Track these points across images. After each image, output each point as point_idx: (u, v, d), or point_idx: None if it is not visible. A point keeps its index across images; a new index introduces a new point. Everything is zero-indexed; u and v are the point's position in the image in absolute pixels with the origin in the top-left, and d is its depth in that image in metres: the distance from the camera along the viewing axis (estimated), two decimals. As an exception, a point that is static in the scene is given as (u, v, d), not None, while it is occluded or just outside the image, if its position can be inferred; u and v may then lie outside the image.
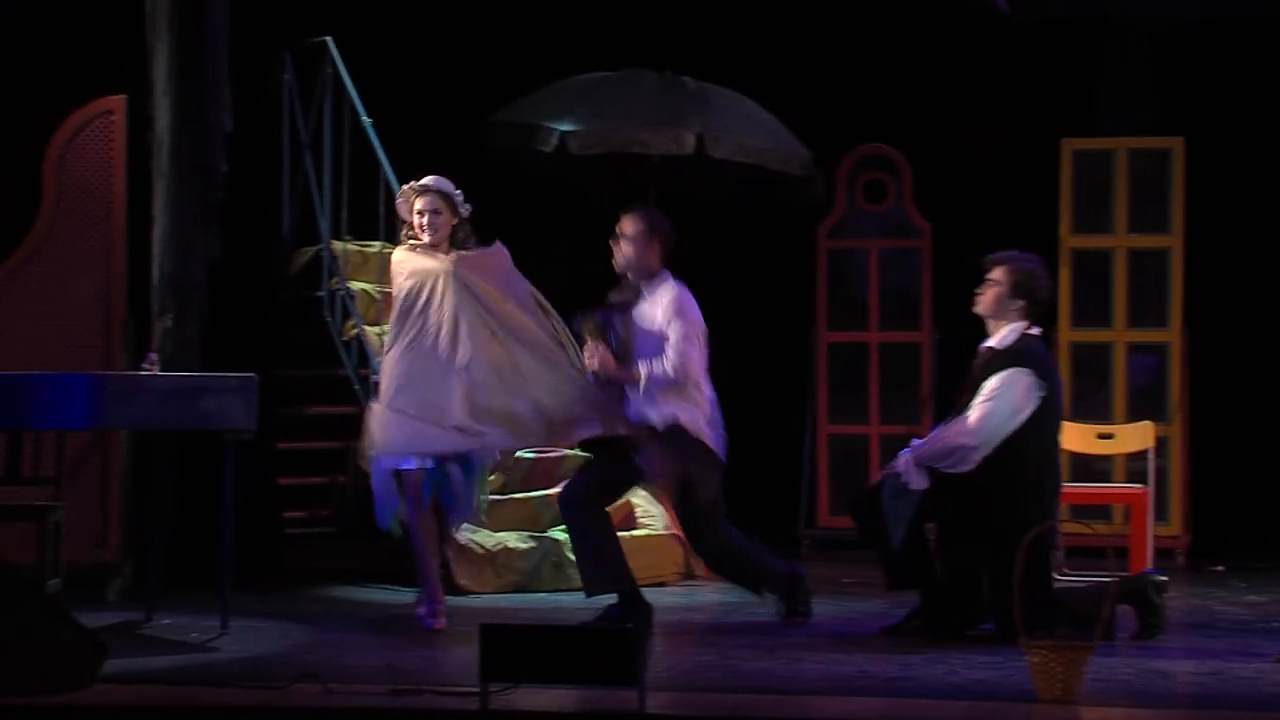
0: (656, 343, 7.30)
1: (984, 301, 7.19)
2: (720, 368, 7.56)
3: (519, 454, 9.02)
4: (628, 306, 7.41)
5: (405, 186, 7.60)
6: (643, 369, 7.28)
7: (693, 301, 7.39)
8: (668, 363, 7.26)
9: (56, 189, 8.32)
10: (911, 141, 10.41)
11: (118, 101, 8.39)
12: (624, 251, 7.44)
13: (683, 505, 7.43)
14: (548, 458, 9.08)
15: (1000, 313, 7.16)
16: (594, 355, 7.37)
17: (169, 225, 8.52)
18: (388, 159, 9.03)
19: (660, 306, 7.33)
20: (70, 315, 8.22)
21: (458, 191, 7.53)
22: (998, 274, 7.17)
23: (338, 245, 9.37)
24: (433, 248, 7.47)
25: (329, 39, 9.35)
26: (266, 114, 9.55)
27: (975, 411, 7.01)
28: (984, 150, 10.37)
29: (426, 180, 7.54)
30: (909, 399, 10.30)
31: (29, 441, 7.64)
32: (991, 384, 7.02)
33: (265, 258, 9.61)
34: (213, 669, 6.41)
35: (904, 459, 7.12)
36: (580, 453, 9.21)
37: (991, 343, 7.17)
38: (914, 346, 10.38)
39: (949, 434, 7.06)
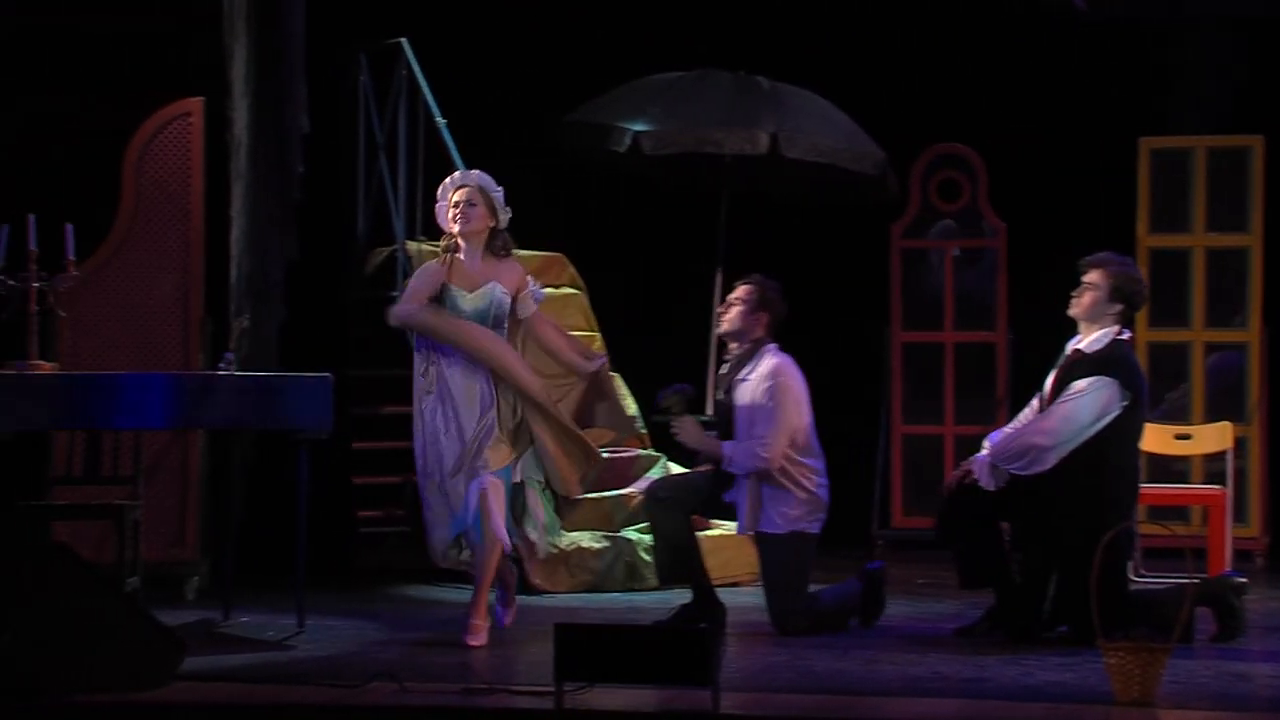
0: (749, 421, 7.21)
1: (1080, 305, 7.08)
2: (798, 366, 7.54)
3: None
4: (730, 379, 7.33)
5: (445, 181, 7.27)
6: (728, 451, 7.21)
7: (796, 379, 7.25)
8: (755, 450, 7.15)
9: (136, 190, 8.39)
10: (986, 141, 10.35)
11: (196, 103, 8.46)
12: (730, 318, 7.35)
13: (771, 593, 7.36)
14: (621, 458, 9.09)
15: (1096, 316, 7.06)
16: (681, 429, 7.27)
17: (246, 226, 8.59)
18: (461, 160, 9.05)
19: (759, 386, 7.21)
20: (149, 315, 8.30)
21: (498, 190, 7.21)
22: (1095, 277, 7.06)
23: (412, 245, 9.40)
24: (462, 240, 7.11)
25: (404, 40, 9.39)
26: (342, 115, 9.61)
27: (1054, 413, 6.96)
28: (1060, 149, 10.31)
29: (468, 172, 7.29)
30: (984, 399, 10.25)
31: (108, 441, 7.72)
32: (1075, 387, 6.95)
33: (340, 258, 9.67)
34: (289, 667, 6.45)
35: (979, 460, 7.08)
36: (654, 452, 9.23)
37: (1081, 345, 7.09)
38: (989, 346, 10.32)
39: (1025, 434, 7.01)
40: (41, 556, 6.02)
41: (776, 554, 7.20)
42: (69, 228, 7.53)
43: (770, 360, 7.27)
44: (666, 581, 7.89)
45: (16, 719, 5.68)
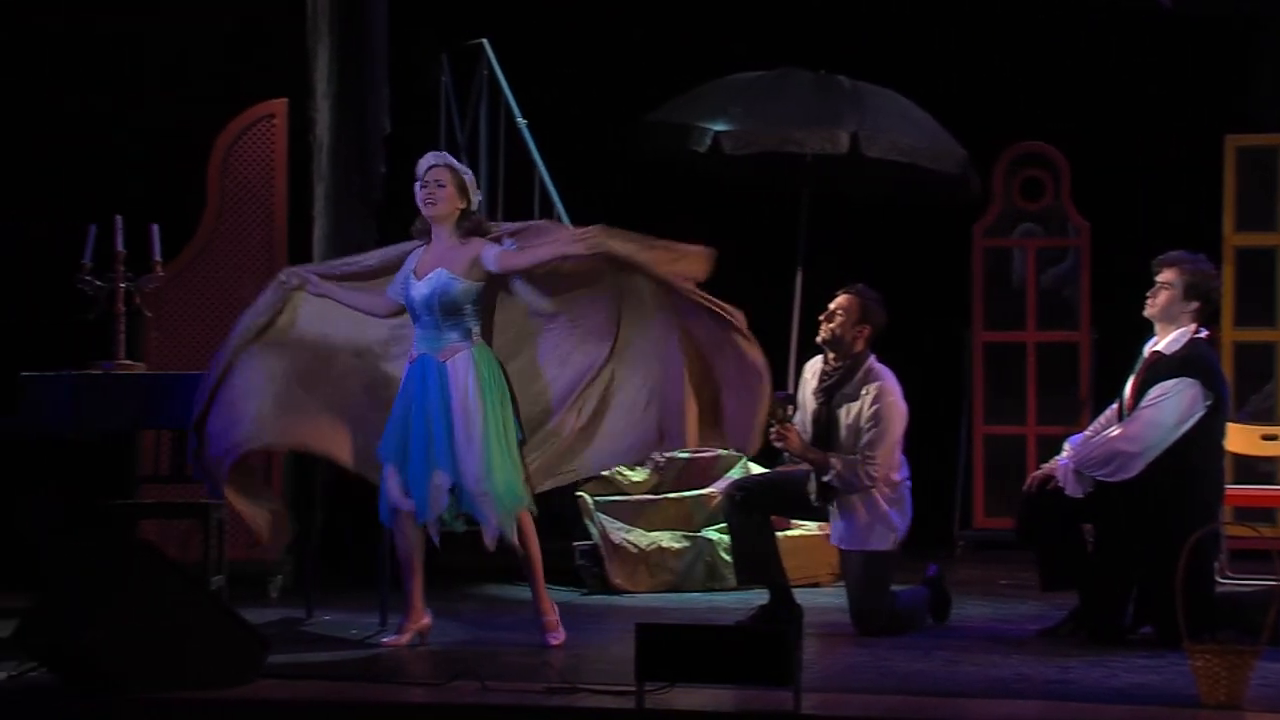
0: (854, 438, 7.18)
1: (1156, 305, 7.03)
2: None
3: (673, 454, 9.05)
4: (833, 390, 7.29)
5: (419, 161, 6.94)
6: (835, 463, 7.17)
7: (900, 397, 7.22)
8: (865, 469, 7.13)
9: (220, 191, 8.47)
10: (1070, 139, 10.28)
11: (279, 105, 8.52)
12: (833, 328, 7.30)
13: (855, 596, 7.33)
14: (702, 458, 9.09)
15: (1173, 316, 7.00)
16: (783, 437, 7.19)
17: (329, 227, 8.65)
18: (542, 160, 9.08)
19: (864, 400, 7.18)
20: (233, 315, 8.33)
21: (468, 173, 6.92)
22: (1169, 276, 7.01)
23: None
24: (432, 223, 6.83)
25: (485, 41, 9.42)
26: (424, 115, 9.65)
27: (1139, 418, 6.90)
28: (1144, 147, 10.22)
29: (439, 152, 7.01)
30: (1067, 399, 10.17)
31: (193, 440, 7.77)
32: (1157, 391, 6.89)
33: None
34: (372, 665, 6.48)
35: (1063, 466, 7.02)
36: (734, 453, 9.22)
37: (1159, 347, 7.03)
38: (1072, 346, 10.25)
39: (1111, 440, 6.95)
40: (128, 555, 6.08)
41: (865, 568, 7.20)
42: (155, 228, 7.61)
43: (877, 379, 7.23)
44: (744, 582, 7.90)
45: (105, 715, 5.75)
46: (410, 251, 6.92)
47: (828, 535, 8.25)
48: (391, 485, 6.82)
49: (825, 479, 7.20)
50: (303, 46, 8.65)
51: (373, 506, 6.97)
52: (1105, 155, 10.25)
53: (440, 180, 6.82)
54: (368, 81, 8.95)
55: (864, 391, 7.22)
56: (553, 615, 6.94)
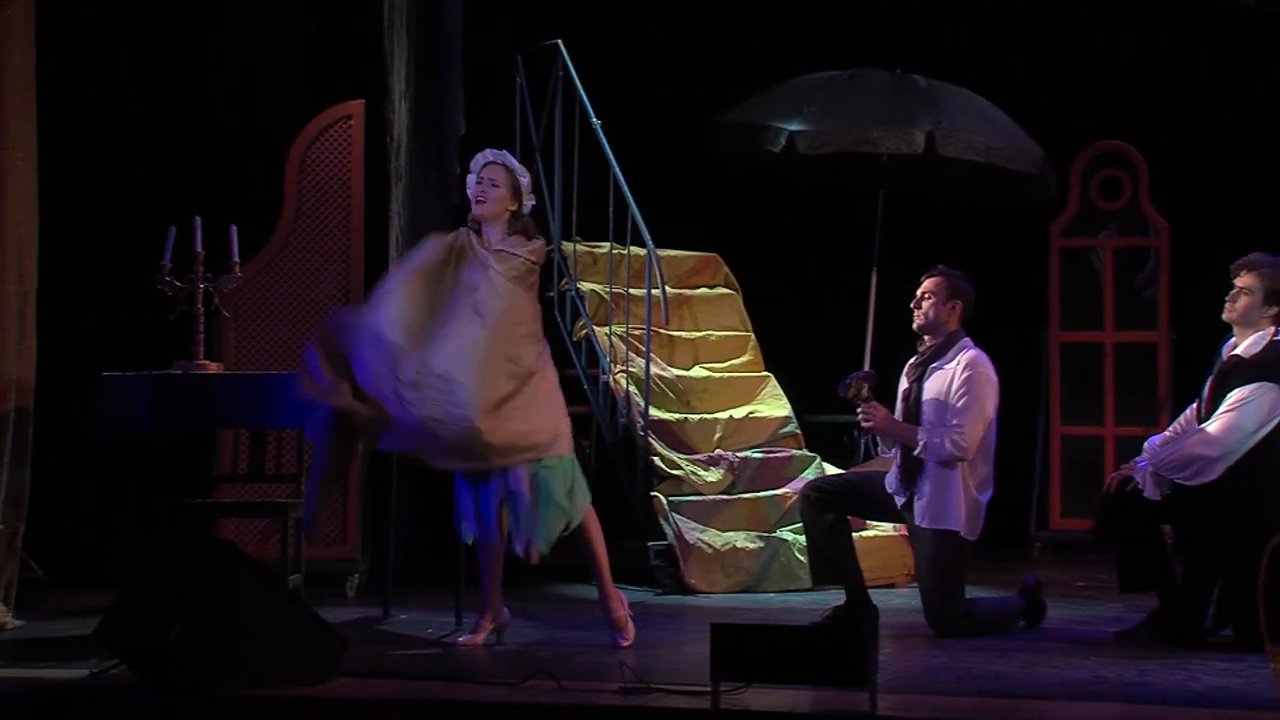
0: (942, 411, 7.14)
1: (1235, 309, 6.98)
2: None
3: (746, 453, 9.05)
4: (922, 368, 7.27)
5: (476, 156, 6.88)
6: (922, 437, 7.14)
7: (991, 372, 7.19)
8: (953, 438, 7.09)
9: (298, 193, 8.52)
10: (1148, 138, 10.21)
11: (356, 106, 8.57)
12: (925, 312, 7.27)
13: (929, 591, 7.30)
14: (776, 458, 9.08)
15: (1252, 320, 6.96)
16: (870, 415, 7.18)
17: (406, 227, 8.69)
18: (617, 160, 9.09)
19: (954, 375, 7.16)
20: (311, 316, 8.42)
21: (525, 176, 6.87)
22: (1248, 280, 6.96)
23: (568, 246, 9.46)
24: (480, 221, 6.77)
25: (559, 42, 9.44)
26: (499, 116, 9.68)
27: (1218, 422, 6.85)
28: (1223, 146, 10.13)
29: (498, 150, 6.90)
30: (1145, 400, 10.10)
31: (271, 439, 7.84)
32: (1236, 395, 6.84)
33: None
34: (448, 664, 6.50)
35: (1141, 468, 6.98)
36: (809, 453, 9.21)
37: (1238, 350, 6.98)
38: (1150, 347, 10.17)
39: (1190, 444, 6.90)
40: (210, 553, 6.13)
41: (941, 552, 7.14)
42: (233, 229, 7.67)
43: (968, 352, 7.22)
44: (819, 582, 7.88)
45: (186, 712, 5.80)
46: (454, 240, 6.80)
47: (904, 536, 8.25)
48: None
49: (915, 452, 7.15)
50: (380, 48, 8.70)
51: (448, 503, 6.98)
52: (1184, 155, 10.17)
53: (495, 180, 6.78)
54: (444, 82, 8.99)
55: (955, 361, 7.19)
56: (621, 611, 6.89)
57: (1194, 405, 7.15)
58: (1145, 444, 7.16)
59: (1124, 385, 10.19)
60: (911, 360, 7.40)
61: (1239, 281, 6.99)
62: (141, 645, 5.91)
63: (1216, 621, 6.93)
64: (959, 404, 7.12)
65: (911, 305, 7.33)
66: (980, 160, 9.43)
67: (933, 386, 7.20)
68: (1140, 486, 6.96)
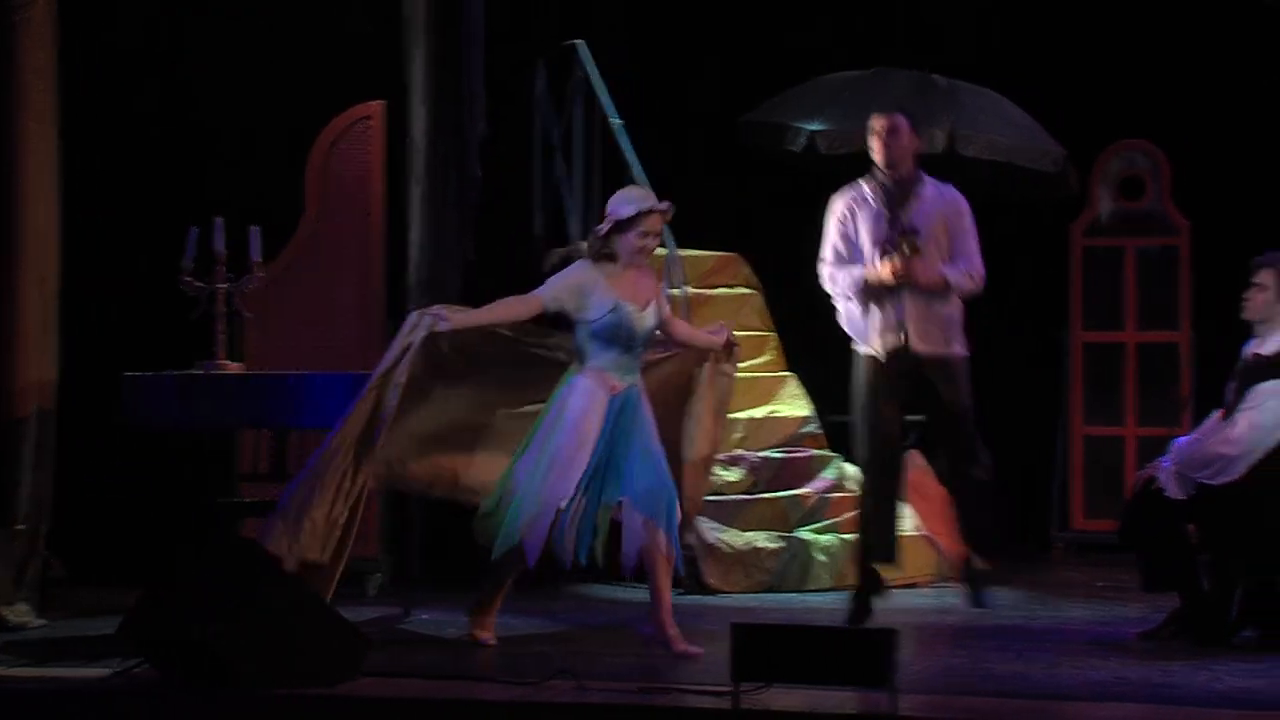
0: (940, 244, 7.26)
1: (1252, 307, 6.99)
2: (974, 367, 7.48)
3: (767, 453, 9.04)
4: (898, 207, 7.29)
5: (646, 198, 6.83)
6: (950, 275, 7.24)
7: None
8: (971, 271, 7.27)
9: (319, 194, 8.53)
10: (1170, 137, 10.18)
11: (377, 107, 8.57)
12: (889, 150, 7.31)
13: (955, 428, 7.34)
14: (797, 458, 9.07)
15: (1271, 317, 6.95)
16: (898, 270, 7.18)
17: (425, 228, 8.70)
18: (640, 160, 9.09)
19: (941, 207, 7.29)
20: (331, 317, 8.43)
21: (612, 208, 6.81)
22: (1265, 277, 6.97)
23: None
24: (636, 262, 6.81)
25: (580, 42, 9.44)
26: (520, 117, 9.68)
27: (1240, 421, 6.84)
28: (1246, 144, 10.09)
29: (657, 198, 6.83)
30: (1167, 400, 10.08)
31: (294, 440, 7.85)
32: (1258, 393, 6.83)
33: (517, 259, 9.74)
34: (469, 664, 6.52)
35: (1165, 468, 6.96)
36: (829, 453, 9.20)
37: (1258, 348, 6.97)
38: (1172, 346, 10.15)
39: (1212, 443, 6.89)
40: (236, 551, 6.15)
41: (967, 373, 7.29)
42: (254, 230, 7.68)
43: (941, 185, 7.36)
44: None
45: (212, 710, 5.81)
46: (582, 276, 6.76)
47: (925, 536, 8.25)
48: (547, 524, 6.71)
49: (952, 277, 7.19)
50: (399, 49, 8.71)
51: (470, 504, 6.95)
52: (1207, 153, 10.13)
53: (659, 233, 6.81)
54: (464, 83, 8.98)
55: (933, 198, 7.30)
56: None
57: (1221, 409, 7.14)
58: (1170, 444, 7.15)
59: (1146, 385, 10.17)
60: (850, 197, 7.40)
61: (1256, 279, 7.00)
62: (175, 642, 5.91)
63: (1240, 622, 6.91)
64: (958, 233, 7.30)
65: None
66: (1001, 160, 9.41)
67: (926, 222, 7.24)
68: (1163, 486, 6.95)
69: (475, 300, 8.87)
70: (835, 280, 7.38)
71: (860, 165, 9.82)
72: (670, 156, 9.57)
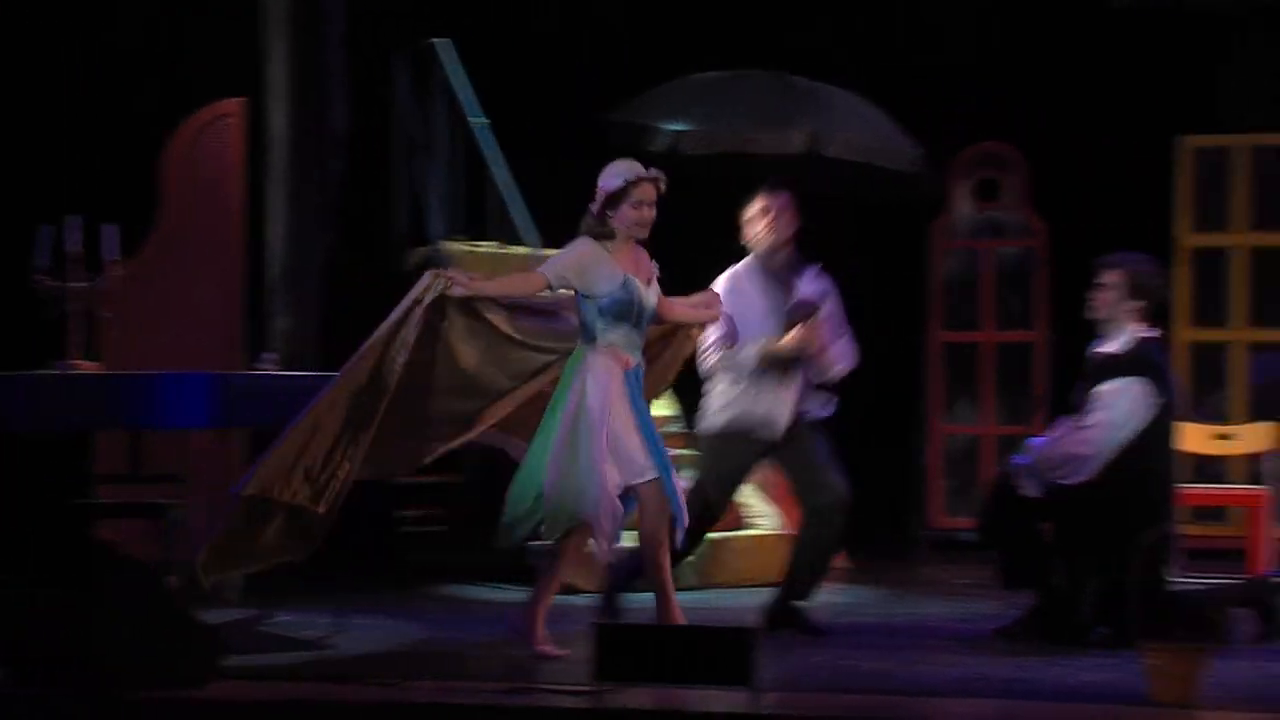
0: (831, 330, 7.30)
1: (1098, 306, 7.09)
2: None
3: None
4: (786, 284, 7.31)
5: (632, 168, 6.76)
6: (835, 359, 7.27)
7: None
8: (849, 356, 7.32)
9: (178, 191, 8.43)
10: (1027, 139, 10.32)
11: (236, 104, 8.49)
12: (778, 229, 7.34)
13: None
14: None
15: (1116, 315, 7.06)
16: (807, 341, 7.15)
17: (286, 225, 8.64)
18: (504, 159, 9.07)
19: (822, 284, 7.32)
20: (190, 314, 8.34)
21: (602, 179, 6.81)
22: (1111, 277, 7.07)
23: (450, 245, 9.42)
24: (634, 239, 6.73)
25: (443, 40, 9.40)
26: (383, 115, 9.63)
27: (1090, 421, 6.94)
28: (1103, 147, 10.26)
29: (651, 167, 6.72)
30: (1023, 399, 10.22)
31: (152, 440, 7.75)
32: (1106, 392, 6.94)
33: (379, 257, 9.69)
34: (330, 665, 6.47)
35: (1020, 468, 7.05)
36: (692, 452, 9.20)
37: (1106, 347, 7.08)
38: (1028, 346, 10.29)
39: (1065, 443, 6.99)
40: (85, 553, 6.06)
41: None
42: (109, 229, 7.57)
43: (819, 273, 7.38)
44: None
45: (66, 711, 5.72)
46: (586, 252, 6.66)
47: (781, 536, 8.29)
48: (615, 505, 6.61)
49: (834, 373, 7.26)
50: (258, 45, 8.64)
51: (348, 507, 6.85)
52: (1065, 156, 10.29)
53: (654, 201, 6.71)
54: (325, 80, 8.94)
55: (815, 284, 7.29)
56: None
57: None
58: (1026, 443, 7.24)
59: (1003, 384, 10.31)
60: (736, 276, 7.38)
61: (1101, 279, 7.10)
62: (27, 644, 5.81)
63: (1094, 618, 7.01)
64: (842, 321, 7.34)
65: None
66: (860, 160, 9.50)
67: (816, 298, 7.27)
68: (1020, 485, 7.04)
69: (336, 297, 8.87)
70: (731, 360, 7.20)
71: (722, 165, 9.92)
72: (543, 155, 9.55)
